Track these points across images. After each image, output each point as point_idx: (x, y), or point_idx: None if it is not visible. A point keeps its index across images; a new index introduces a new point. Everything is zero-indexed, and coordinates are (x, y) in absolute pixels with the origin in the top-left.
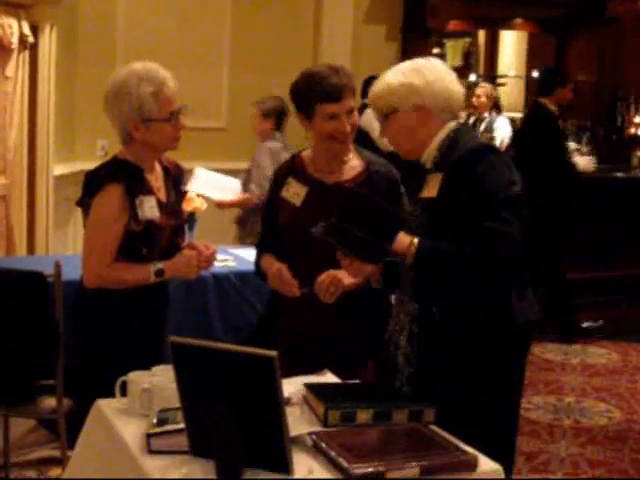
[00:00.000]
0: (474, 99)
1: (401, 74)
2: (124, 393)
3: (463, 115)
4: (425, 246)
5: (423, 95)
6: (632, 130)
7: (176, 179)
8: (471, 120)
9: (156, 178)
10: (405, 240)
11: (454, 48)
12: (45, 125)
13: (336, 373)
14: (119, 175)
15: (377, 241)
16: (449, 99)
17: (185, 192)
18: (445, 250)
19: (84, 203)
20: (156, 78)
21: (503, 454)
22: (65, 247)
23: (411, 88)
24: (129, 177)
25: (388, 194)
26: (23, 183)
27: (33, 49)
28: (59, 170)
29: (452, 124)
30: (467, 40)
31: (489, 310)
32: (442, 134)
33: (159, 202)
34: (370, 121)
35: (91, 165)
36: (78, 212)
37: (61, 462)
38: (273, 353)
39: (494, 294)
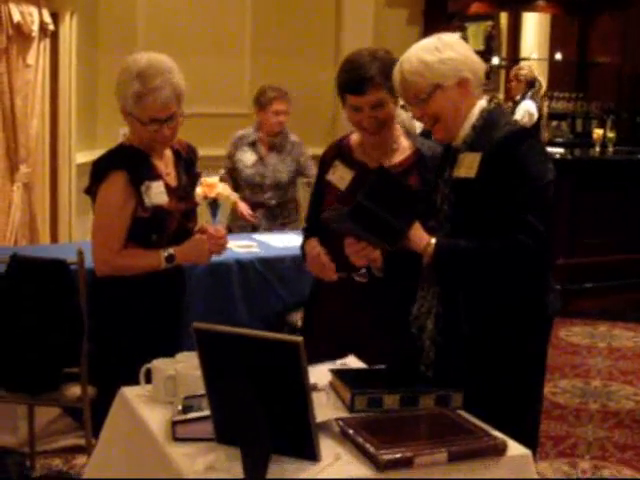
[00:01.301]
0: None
1: (435, 50)
2: (148, 380)
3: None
4: (443, 248)
5: (465, 68)
6: None
7: (188, 161)
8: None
9: (165, 163)
10: (422, 239)
11: (476, 31)
12: (67, 113)
13: (365, 359)
14: (123, 162)
15: (399, 223)
16: (481, 71)
17: (199, 174)
18: (464, 249)
19: (91, 191)
20: (150, 82)
21: (528, 438)
22: (88, 234)
23: (453, 63)
24: (134, 163)
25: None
26: (45, 171)
27: (54, 37)
28: (81, 158)
29: (483, 103)
30: (489, 23)
31: (520, 298)
32: (475, 113)
33: (168, 187)
34: None
35: None
36: None
37: (86, 450)
38: (299, 339)
39: (525, 283)
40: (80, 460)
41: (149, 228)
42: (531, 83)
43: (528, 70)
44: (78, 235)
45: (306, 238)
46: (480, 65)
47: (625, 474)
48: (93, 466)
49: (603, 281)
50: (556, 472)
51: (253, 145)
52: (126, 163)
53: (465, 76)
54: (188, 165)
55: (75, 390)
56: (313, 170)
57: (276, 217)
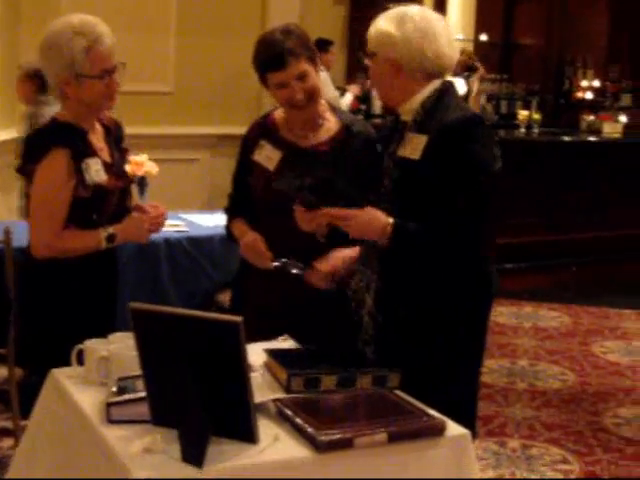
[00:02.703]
0: None
1: (395, 20)
2: (80, 362)
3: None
4: (401, 230)
5: (399, 50)
6: (579, 94)
7: (117, 137)
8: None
9: (98, 138)
10: (380, 218)
11: None
12: None
13: (299, 339)
14: (64, 139)
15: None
16: (423, 60)
17: (126, 150)
18: (416, 232)
19: (27, 170)
20: (91, 33)
21: (465, 419)
22: (11, 214)
23: (392, 40)
24: (73, 140)
25: (365, 154)
26: None
27: None
28: (2, 136)
29: (437, 82)
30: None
31: (460, 276)
32: (426, 91)
33: (104, 164)
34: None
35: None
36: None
37: (12, 433)
38: (238, 319)
39: (468, 261)
40: (6, 443)
41: (90, 208)
42: (469, 68)
43: (465, 56)
44: (0, 215)
45: (231, 218)
46: (425, 56)
47: (553, 452)
48: (23, 449)
49: (526, 261)
50: (485, 451)
51: None
52: (67, 140)
53: (393, 57)
54: (117, 140)
55: (2, 372)
56: None
57: None
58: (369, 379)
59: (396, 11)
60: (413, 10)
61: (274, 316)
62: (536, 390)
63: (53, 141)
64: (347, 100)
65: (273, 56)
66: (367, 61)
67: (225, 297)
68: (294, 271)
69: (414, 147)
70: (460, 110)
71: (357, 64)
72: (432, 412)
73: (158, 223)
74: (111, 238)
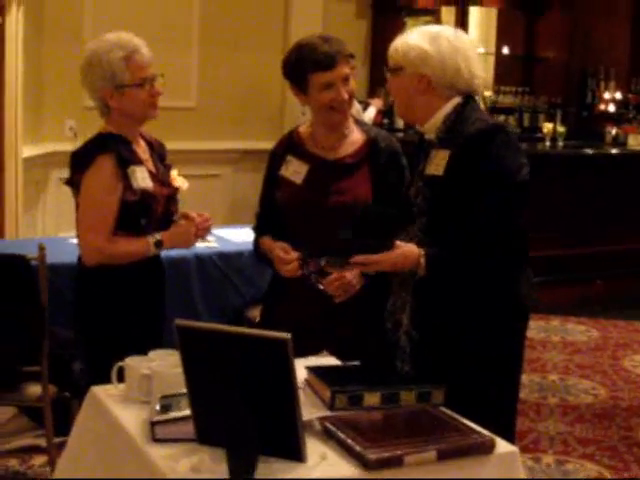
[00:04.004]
0: None
1: (426, 36)
2: (121, 379)
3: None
4: (434, 259)
5: (431, 66)
6: (602, 106)
7: (160, 154)
8: None
9: (143, 150)
10: (413, 252)
11: (414, 26)
12: (13, 106)
13: (335, 355)
14: (108, 146)
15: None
16: (456, 78)
17: (170, 166)
18: (450, 259)
19: (73, 181)
20: (128, 44)
21: (506, 435)
22: (34, 230)
23: (424, 55)
24: (118, 147)
25: (390, 167)
26: None
27: (0, 29)
28: (27, 152)
29: (458, 98)
30: (428, 18)
31: (495, 292)
32: (448, 108)
33: (150, 172)
34: None
35: (60, 146)
36: (47, 194)
37: (44, 450)
38: (287, 336)
39: (503, 279)
40: (38, 461)
41: (138, 212)
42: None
43: None
44: (25, 231)
45: (258, 237)
46: (460, 74)
47: (588, 468)
48: (63, 468)
49: (552, 275)
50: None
51: None
52: (111, 147)
53: (423, 72)
54: (160, 157)
55: (35, 389)
56: None
57: None
58: (413, 395)
59: (427, 28)
60: (446, 29)
61: (305, 333)
62: (568, 405)
63: (98, 150)
64: (370, 114)
65: (323, 56)
66: (389, 75)
67: (255, 313)
68: (321, 287)
69: (438, 163)
70: (481, 122)
71: (382, 78)
72: (479, 429)
73: (205, 228)
74: (159, 244)
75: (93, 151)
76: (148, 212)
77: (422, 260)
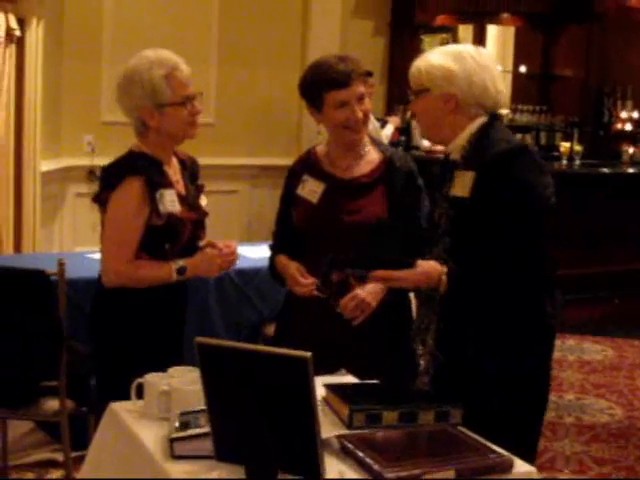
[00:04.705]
0: None
1: (449, 56)
2: (139, 396)
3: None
4: (456, 276)
5: (458, 85)
6: (619, 125)
7: (192, 173)
8: None
9: (174, 171)
10: (435, 269)
11: (431, 44)
12: (32, 120)
13: (352, 374)
14: (139, 168)
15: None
16: (483, 95)
17: (202, 186)
18: (473, 277)
19: (101, 198)
20: (168, 61)
21: (525, 455)
22: (51, 245)
23: (449, 75)
24: (149, 170)
25: (406, 187)
26: (10, 179)
27: (20, 43)
28: (45, 166)
29: (484, 117)
30: (445, 36)
31: (519, 312)
32: (473, 127)
33: (179, 195)
34: None
35: (78, 161)
36: (65, 209)
37: (61, 465)
38: (308, 354)
39: (529, 300)
40: (54, 475)
41: (163, 237)
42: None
43: None
44: (42, 246)
45: (274, 255)
46: (487, 91)
47: None
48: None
49: (569, 294)
50: None
51: None
52: (142, 169)
53: (451, 92)
54: (192, 176)
55: (53, 404)
56: None
57: None
58: (431, 415)
59: (448, 47)
60: (467, 47)
61: (320, 349)
62: (584, 424)
63: (128, 170)
64: (388, 131)
65: (338, 73)
66: (413, 98)
67: (271, 329)
68: (338, 310)
69: (463, 185)
70: (506, 143)
71: (399, 96)
72: (497, 449)
73: (230, 261)
74: (182, 271)
75: (123, 171)
76: (173, 237)
77: (444, 278)
